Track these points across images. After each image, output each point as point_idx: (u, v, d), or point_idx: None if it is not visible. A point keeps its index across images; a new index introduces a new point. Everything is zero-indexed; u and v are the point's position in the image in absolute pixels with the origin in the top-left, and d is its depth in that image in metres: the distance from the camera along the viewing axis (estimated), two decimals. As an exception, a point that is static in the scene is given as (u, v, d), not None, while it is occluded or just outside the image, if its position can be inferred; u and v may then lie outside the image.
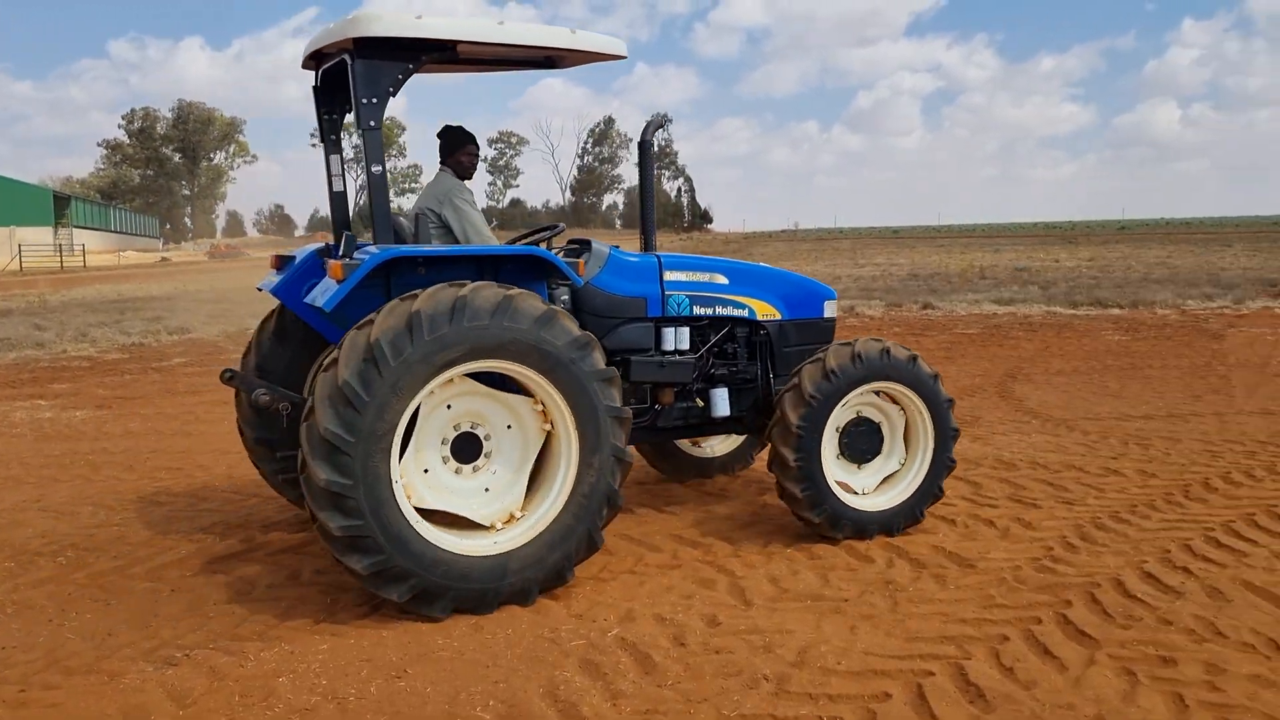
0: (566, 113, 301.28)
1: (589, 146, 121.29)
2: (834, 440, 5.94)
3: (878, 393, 6.03)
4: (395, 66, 5.12)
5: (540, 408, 5.09)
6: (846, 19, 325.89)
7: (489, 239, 5.86)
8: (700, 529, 6.24)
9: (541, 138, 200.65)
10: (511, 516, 5.10)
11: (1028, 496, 6.79)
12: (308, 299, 5.42)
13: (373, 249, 5.16)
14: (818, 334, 6.64)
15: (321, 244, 6.01)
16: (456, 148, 6.04)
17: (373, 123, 5.08)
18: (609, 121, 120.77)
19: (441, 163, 6.08)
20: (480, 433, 5.12)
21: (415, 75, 5.28)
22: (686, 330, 6.17)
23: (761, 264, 6.84)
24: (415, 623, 4.81)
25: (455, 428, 5.07)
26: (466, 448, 5.09)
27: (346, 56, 5.11)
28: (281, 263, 6.04)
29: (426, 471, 5.03)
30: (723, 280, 6.38)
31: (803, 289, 6.70)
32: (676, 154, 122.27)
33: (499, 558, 4.91)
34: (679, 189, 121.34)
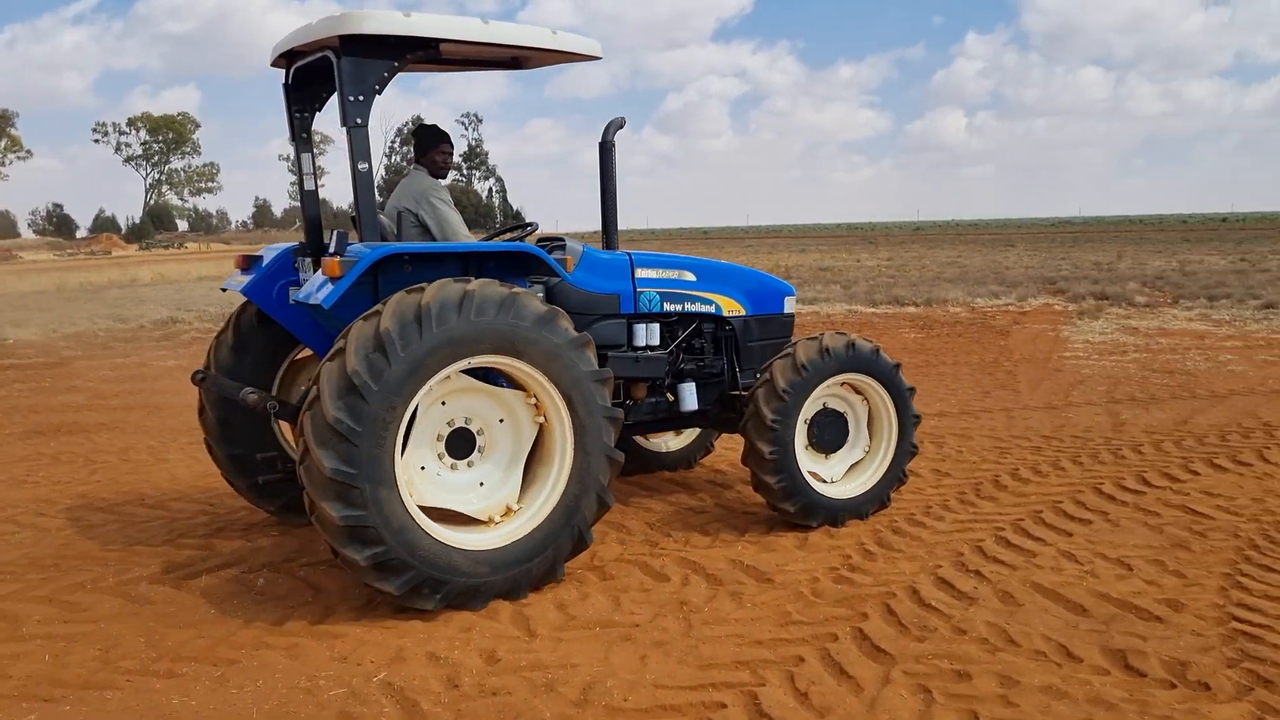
0: (372, 111, 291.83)
1: (396, 146, 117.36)
2: (804, 432, 6.10)
3: (843, 384, 6.21)
4: (381, 64, 5.15)
5: (533, 401, 5.14)
6: (655, 22, 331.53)
7: (466, 237, 5.87)
8: (487, 551, 5.80)
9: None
10: (508, 509, 5.15)
11: (826, 501, 6.65)
12: (300, 296, 5.37)
13: (360, 246, 5.12)
14: (779, 329, 6.87)
15: (293, 244, 5.93)
16: (430, 147, 6.00)
17: (359, 120, 5.11)
18: (417, 121, 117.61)
19: (416, 161, 6.02)
20: (473, 428, 5.16)
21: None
22: (657, 326, 6.27)
23: (726, 261, 6.94)
24: (149, 678, 4.20)
25: (449, 424, 5.10)
26: (460, 444, 5.13)
27: (331, 54, 5.11)
28: (248, 263, 5.97)
29: (423, 469, 5.04)
30: (691, 277, 6.50)
31: (765, 285, 6.88)
32: (487, 154, 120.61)
33: (494, 552, 4.95)
34: (490, 190, 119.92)
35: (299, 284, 5.70)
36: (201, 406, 6.11)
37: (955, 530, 6.00)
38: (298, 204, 6.82)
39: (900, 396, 6.29)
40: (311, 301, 5.07)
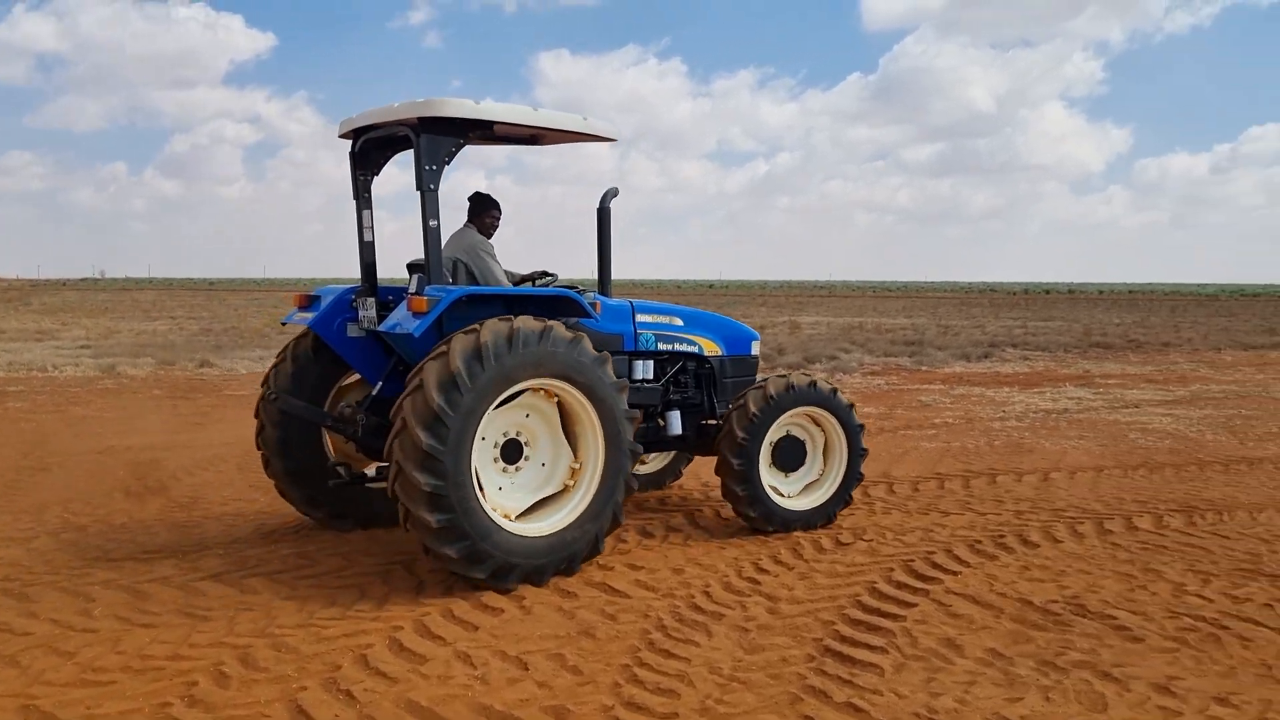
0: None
1: None
2: (769, 451, 7.16)
3: (805, 415, 7.29)
4: (450, 141, 6.10)
5: (577, 465, 6.17)
6: (158, 58, 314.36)
7: (503, 283, 6.79)
8: None
9: None
10: (506, 515, 5.90)
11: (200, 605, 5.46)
12: (386, 327, 6.12)
13: (436, 288, 5.94)
14: (747, 369, 7.96)
15: (349, 286, 6.75)
16: (483, 211, 7.03)
17: (431, 186, 6.01)
18: None
19: (468, 220, 7.03)
20: (526, 451, 6.11)
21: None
22: (651, 363, 7.33)
23: (707, 310, 8.02)
24: None
25: (518, 433, 6.08)
26: (510, 451, 6.06)
27: (410, 132, 6.04)
28: (308, 301, 6.85)
29: (483, 439, 5.78)
30: (679, 322, 7.60)
31: (737, 331, 7.98)
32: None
33: (548, 538, 5.92)
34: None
35: (355, 320, 6.66)
36: (261, 426, 6.84)
37: (344, 635, 5.07)
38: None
39: (851, 431, 7.34)
40: (399, 331, 5.87)
